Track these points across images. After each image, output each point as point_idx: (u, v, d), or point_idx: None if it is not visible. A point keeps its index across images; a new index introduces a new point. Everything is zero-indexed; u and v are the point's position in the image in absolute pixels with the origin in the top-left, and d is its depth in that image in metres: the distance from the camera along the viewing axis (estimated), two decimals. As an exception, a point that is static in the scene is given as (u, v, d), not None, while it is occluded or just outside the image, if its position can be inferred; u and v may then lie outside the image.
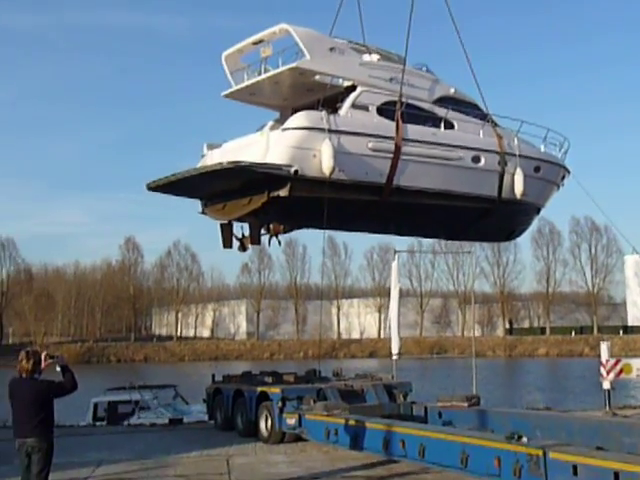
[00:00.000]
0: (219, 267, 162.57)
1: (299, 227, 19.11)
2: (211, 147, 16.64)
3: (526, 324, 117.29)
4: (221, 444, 14.73)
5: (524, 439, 8.91)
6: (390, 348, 19.72)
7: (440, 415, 14.06)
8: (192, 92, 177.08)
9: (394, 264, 20.31)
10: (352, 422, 11.72)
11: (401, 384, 16.19)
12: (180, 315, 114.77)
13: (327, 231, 18.83)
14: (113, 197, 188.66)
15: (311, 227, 20.08)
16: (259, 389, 15.52)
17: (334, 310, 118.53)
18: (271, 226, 16.87)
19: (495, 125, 17.61)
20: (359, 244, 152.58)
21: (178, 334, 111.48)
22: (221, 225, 16.76)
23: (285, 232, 17.82)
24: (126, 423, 21.55)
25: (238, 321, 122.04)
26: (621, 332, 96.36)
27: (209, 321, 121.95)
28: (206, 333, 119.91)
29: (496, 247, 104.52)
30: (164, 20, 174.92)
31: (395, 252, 20.94)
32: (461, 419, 13.51)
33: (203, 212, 16.83)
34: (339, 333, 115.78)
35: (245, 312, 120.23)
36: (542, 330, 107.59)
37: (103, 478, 11.45)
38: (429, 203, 16.37)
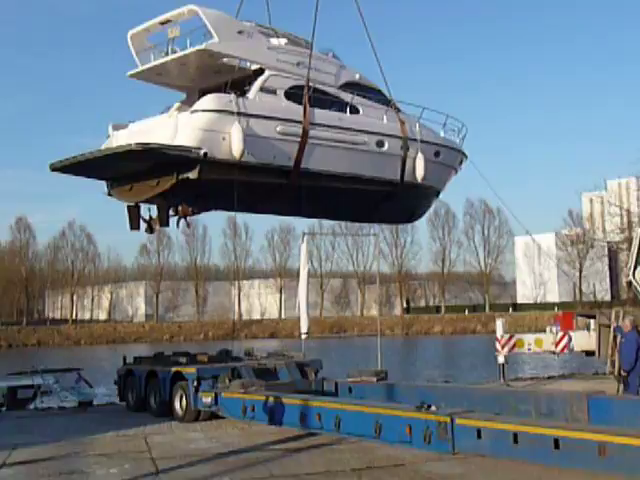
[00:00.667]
0: (116, 248, 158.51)
1: (208, 209, 19.23)
2: (117, 128, 16.47)
3: (422, 303, 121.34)
4: (136, 424, 14.87)
5: (433, 408, 9.68)
6: (299, 327, 20.25)
7: (350, 390, 14.79)
8: (94, 70, 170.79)
9: (303, 246, 20.71)
10: (270, 398, 12.21)
11: (312, 362, 16.83)
12: (75, 298, 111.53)
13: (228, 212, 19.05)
14: (2, 175, 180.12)
15: (220, 209, 20.19)
16: (173, 369, 15.75)
17: (234, 291, 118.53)
18: (179, 208, 16.94)
19: (398, 111, 18.27)
20: (260, 225, 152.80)
21: (73, 317, 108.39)
22: (128, 207, 16.66)
23: (194, 214, 17.92)
24: (32, 407, 21.16)
25: (136, 303, 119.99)
26: (510, 309, 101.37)
27: (106, 304, 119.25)
28: (103, 316, 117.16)
29: (394, 229, 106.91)
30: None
31: (304, 234, 21.37)
32: (371, 393, 14.30)
33: (109, 194, 16.68)
34: (240, 314, 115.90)
35: (144, 294, 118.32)
36: (437, 309, 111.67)
37: (22, 461, 11.42)
38: (335, 186, 16.91)
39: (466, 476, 9.31)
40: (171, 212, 16.97)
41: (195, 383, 14.82)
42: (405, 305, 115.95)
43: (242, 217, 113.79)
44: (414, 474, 9.61)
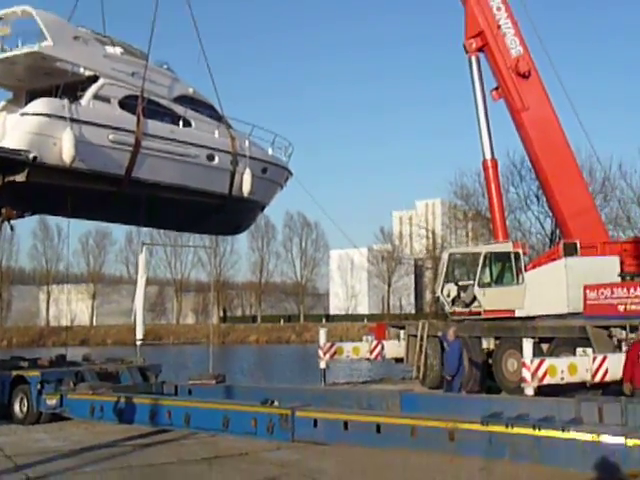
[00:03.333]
0: None
1: (34, 213, 19.14)
2: None
3: (239, 312, 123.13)
4: (-27, 428, 15.01)
5: (276, 403, 11.27)
6: (135, 334, 20.97)
7: (190, 392, 15.96)
8: None
9: (142, 256, 21.53)
10: (121, 398, 13.15)
11: (152, 366, 17.78)
12: None
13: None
14: None
15: (47, 214, 20.17)
16: (14, 373, 16.00)
17: (42, 296, 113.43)
18: (3, 210, 16.56)
19: (229, 127, 19.37)
20: (73, 228, 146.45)
21: None
22: None
23: (19, 217, 17.83)
24: None
25: None
26: (324, 320, 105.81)
27: None
28: None
29: (214, 238, 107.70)
30: None
31: (143, 244, 22.32)
32: (209, 395, 15.55)
33: None
34: (48, 320, 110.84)
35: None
36: (254, 318, 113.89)
37: None
38: (165, 196, 17.64)
39: (302, 461, 10.89)
40: None
41: (39, 386, 15.22)
42: (222, 314, 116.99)
43: (54, 218, 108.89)
44: (257, 460, 11.06)
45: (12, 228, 17.20)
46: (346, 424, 10.10)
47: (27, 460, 11.33)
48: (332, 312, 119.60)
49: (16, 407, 15.77)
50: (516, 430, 8.67)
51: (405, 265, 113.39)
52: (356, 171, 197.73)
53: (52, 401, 14.87)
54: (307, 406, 11.15)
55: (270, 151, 20.83)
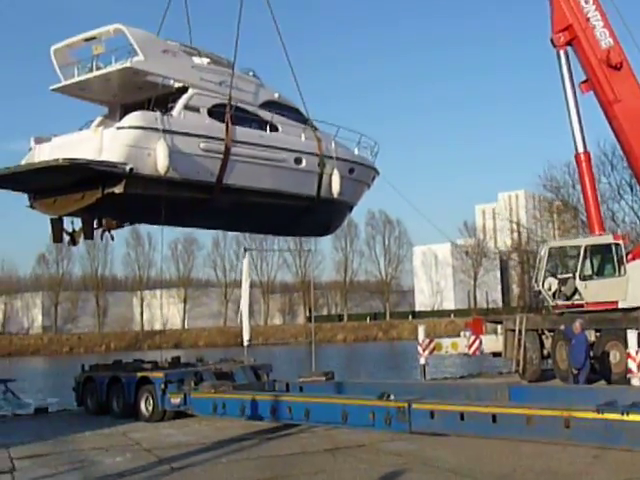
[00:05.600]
0: (10, 257, 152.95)
1: (132, 222, 20.16)
2: (39, 141, 17.02)
3: (325, 312, 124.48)
4: (106, 425, 16.29)
5: (392, 397, 11.93)
6: (241, 336, 22.02)
7: (301, 389, 16.80)
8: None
9: (245, 260, 22.60)
10: (246, 396, 14.09)
11: (264, 365, 18.72)
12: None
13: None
14: None
15: (144, 222, 21.14)
16: (139, 374, 17.25)
17: (136, 301, 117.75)
18: (104, 221, 17.75)
19: (315, 129, 19.84)
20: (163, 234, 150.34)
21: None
22: (51, 220, 17.22)
23: (118, 227, 18.70)
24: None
25: (33, 314, 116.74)
26: (410, 317, 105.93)
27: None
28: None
29: (298, 239, 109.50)
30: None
31: (245, 250, 23.41)
32: (319, 391, 16.35)
33: (31, 206, 17.10)
34: (142, 325, 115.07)
35: (41, 305, 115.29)
36: (340, 317, 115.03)
37: (28, 455, 12.77)
38: (256, 201, 18.26)
39: (419, 450, 11.53)
40: (95, 224, 17.74)
41: (163, 386, 16.36)
42: (308, 314, 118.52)
43: (145, 226, 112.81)
44: (377, 451, 11.77)
45: (112, 238, 18.29)
46: (462, 415, 10.66)
47: (166, 453, 12.40)
48: (418, 309, 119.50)
49: (142, 406, 17.00)
50: (632, 417, 9.04)
51: (490, 259, 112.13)
52: (436, 166, 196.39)
53: (176, 400, 16.00)
54: (423, 399, 11.74)
55: (356, 151, 21.16)
